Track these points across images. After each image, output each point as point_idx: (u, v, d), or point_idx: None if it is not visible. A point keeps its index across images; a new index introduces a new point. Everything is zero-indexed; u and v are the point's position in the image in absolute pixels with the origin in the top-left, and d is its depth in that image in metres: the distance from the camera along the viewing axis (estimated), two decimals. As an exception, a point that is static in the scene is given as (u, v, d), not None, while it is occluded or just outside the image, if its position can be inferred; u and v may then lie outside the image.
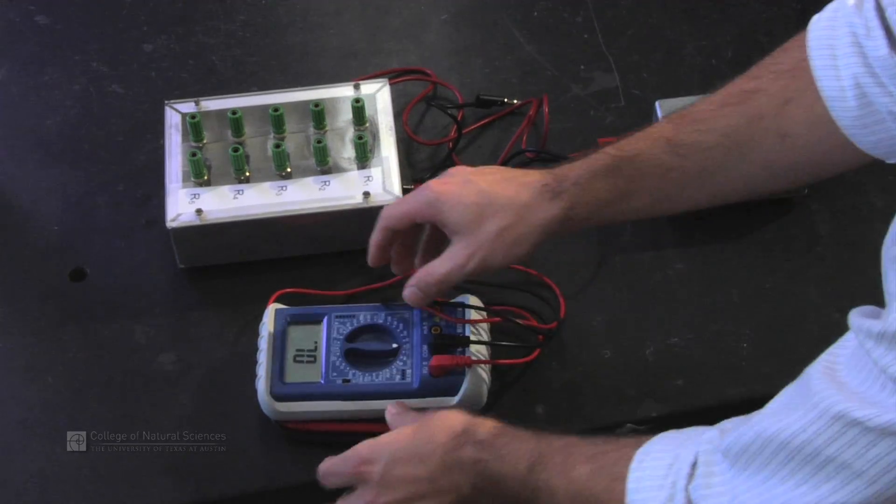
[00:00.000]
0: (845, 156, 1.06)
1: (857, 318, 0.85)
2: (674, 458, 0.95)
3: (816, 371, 0.87)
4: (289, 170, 1.29)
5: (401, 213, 1.17)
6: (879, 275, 0.87)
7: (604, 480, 0.99)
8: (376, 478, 1.09)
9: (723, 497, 0.91)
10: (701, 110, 1.13)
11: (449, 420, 1.09)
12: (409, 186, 1.33)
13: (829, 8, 1.05)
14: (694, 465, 0.93)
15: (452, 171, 1.17)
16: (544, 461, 1.04)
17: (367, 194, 1.27)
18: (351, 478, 1.11)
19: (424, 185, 1.16)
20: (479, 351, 1.19)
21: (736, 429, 0.92)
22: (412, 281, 1.17)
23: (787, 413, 0.88)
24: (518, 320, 1.23)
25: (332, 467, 1.12)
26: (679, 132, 1.12)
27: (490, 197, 1.13)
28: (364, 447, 1.11)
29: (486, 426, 1.08)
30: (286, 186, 1.28)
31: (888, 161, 1.05)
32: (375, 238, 1.19)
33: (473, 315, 1.20)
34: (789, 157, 1.10)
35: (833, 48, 1.02)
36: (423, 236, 1.20)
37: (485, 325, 1.21)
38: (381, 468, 1.09)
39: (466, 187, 1.14)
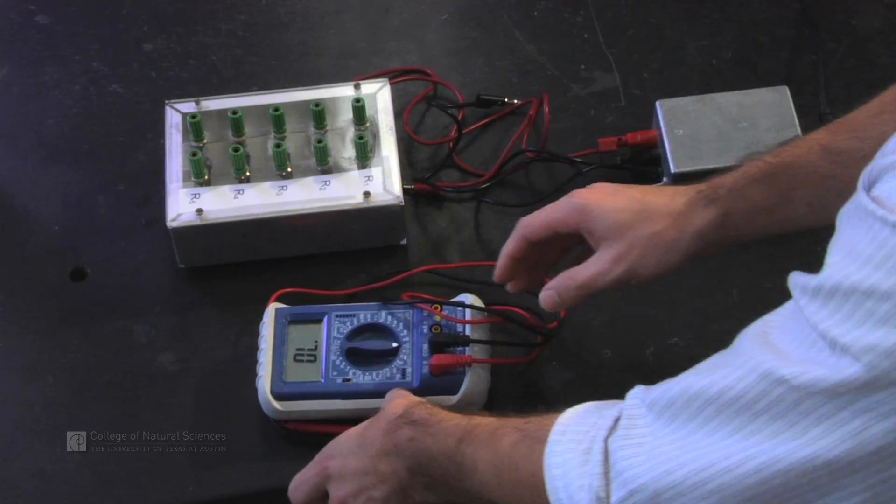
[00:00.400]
0: None
1: (797, 275, 0.83)
2: (598, 416, 0.93)
3: (747, 335, 0.86)
4: (289, 169, 1.29)
5: (543, 221, 1.12)
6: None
7: (526, 447, 0.97)
8: (335, 472, 1.10)
9: (642, 447, 0.88)
10: (857, 118, 1.08)
11: (391, 406, 1.09)
12: (409, 186, 1.33)
13: None
14: (617, 420, 0.92)
15: (595, 185, 1.13)
16: (472, 435, 1.02)
17: (367, 194, 1.27)
18: (317, 478, 1.11)
19: (569, 195, 1.12)
20: (479, 350, 1.19)
21: (662, 385, 0.90)
22: (551, 284, 1.12)
23: (715, 370, 0.86)
24: (518, 319, 1.23)
25: (300, 476, 1.12)
26: (835, 139, 1.08)
27: (643, 203, 1.09)
28: (328, 445, 1.11)
29: (425, 408, 1.08)
30: (286, 186, 1.28)
31: None
32: (510, 249, 1.15)
33: (473, 314, 1.20)
34: None
35: None
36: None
37: (485, 325, 1.21)
38: (339, 462, 1.10)
39: (618, 194, 1.10)
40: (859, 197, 0.80)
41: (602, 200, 1.10)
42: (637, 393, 0.93)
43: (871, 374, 0.77)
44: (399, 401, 1.09)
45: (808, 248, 1.29)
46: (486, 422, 1.03)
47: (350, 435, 1.11)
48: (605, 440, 0.91)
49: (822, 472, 0.81)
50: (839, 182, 1.07)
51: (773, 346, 0.83)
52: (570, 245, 1.16)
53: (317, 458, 1.12)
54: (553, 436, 0.95)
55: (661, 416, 0.88)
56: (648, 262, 1.08)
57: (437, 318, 1.20)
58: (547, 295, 1.12)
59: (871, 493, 0.81)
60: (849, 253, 0.79)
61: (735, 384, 0.83)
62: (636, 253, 1.08)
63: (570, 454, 0.92)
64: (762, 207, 1.09)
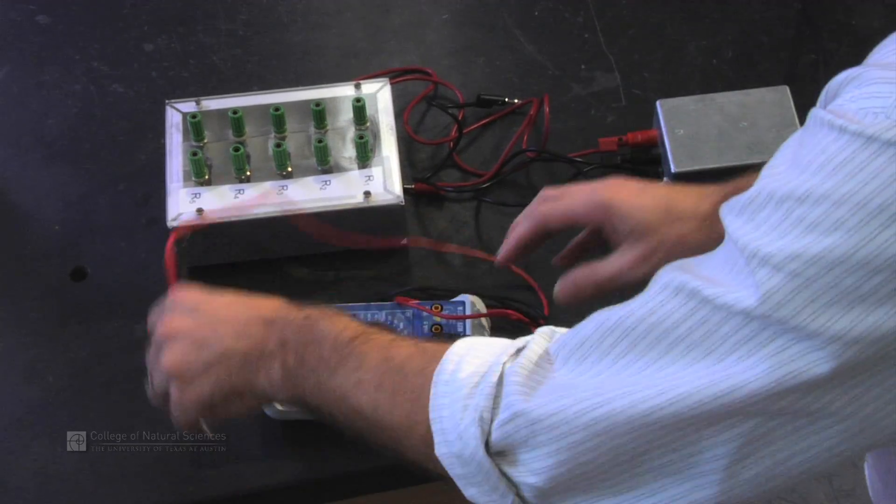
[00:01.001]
0: None
1: (727, 202, 0.82)
2: (501, 347, 0.91)
3: (666, 268, 0.83)
4: (290, 169, 1.29)
5: (564, 214, 1.11)
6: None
7: (420, 359, 0.94)
8: (188, 307, 1.06)
9: (536, 377, 0.86)
10: None
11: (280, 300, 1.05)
12: (409, 186, 1.33)
13: None
14: (520, 350, 0.89)
15: (616, 180, 1.11)
16: (370, 337, 0.99)
17: (367, 194, 1.27)
18: (162, 310, 1.07)
19: (589, 189, 1.10)
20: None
21: (576, 327, 0.87)
22: (570, 277, 1.10)
23: (633, 300, 0.83)
24: (519, 314, 1.23)
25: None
26: None
27: (670, 204, 1.07)
28: (184, 292, 1.08)
29: (318, 307, 1.04)
30: (287, 186, 1.28)
31: None
32: (522, 233, 1.13)
33: (473, 314, 1.20)
34: None
35: None
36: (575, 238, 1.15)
37: (485, 325, 1.21)
38: (201, 299, 1.06)
39: (644, 193, 1.09)
40: (814, 111, 0.78)
41: (628, 199, 1.08)
42: (545, 331, 0.90)
43: (794, 283, 0.75)
44: (270, 300, 1.05)
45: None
46: (385, 332, 1.00)
47: (226, 294, 1.07)
48: (504, 364, 0.88)
49: (718, 405, 0.78)
50: None
51: (693, 270, 0.81)
52: (580, 230, 1.14)
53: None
54: (449, 354, 0.92)
55: (568, 360, 0.86)
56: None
57: (437, 318, 1.20)
58: (564, 287, 1.11)
59: (749, 436, 0.79)
60: (791, 162, 0.77)
61: (656, 308, 0.81)
62: (661, 255, 1.06)
63: (464, 374, 0.89)
64: None
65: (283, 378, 1.02)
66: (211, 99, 1.33)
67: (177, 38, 1.49)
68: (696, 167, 1.28)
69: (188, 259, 1.29)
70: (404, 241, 1.30)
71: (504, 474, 0.88)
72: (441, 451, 0.91)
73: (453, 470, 0.91)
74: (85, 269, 1.31)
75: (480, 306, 1.22)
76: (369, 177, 1.28)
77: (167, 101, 1.34)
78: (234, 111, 1.31)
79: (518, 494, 0.88)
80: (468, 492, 0.91)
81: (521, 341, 0.90)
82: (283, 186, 1.28)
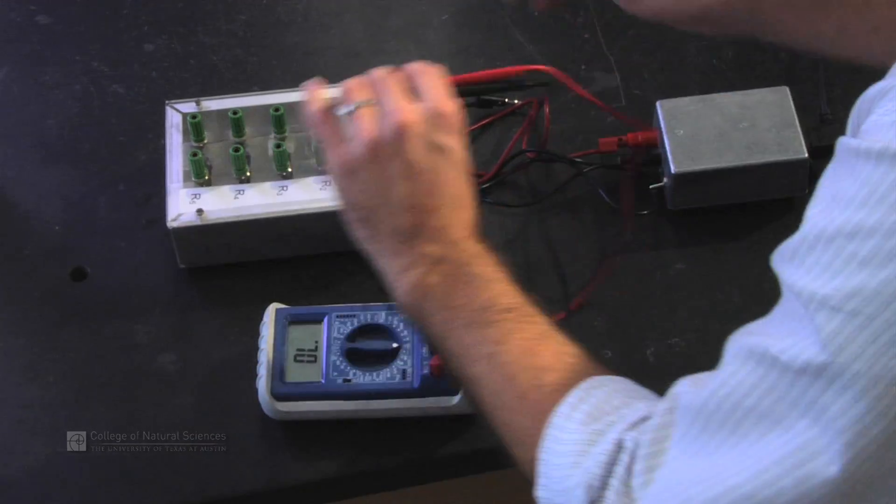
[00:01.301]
0: None
1: (777, 251, 0.80)
2: (624, 402, 0.87)
3: (732, 337, 0.81)
4: (290, 170, 1.29)
5: None
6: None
7: (557, 379, 0.90)
8: (431, 140, 1.00)
9: (658, 471, 0.81)
10: None
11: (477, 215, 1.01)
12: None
13: None
14: (643, 419, 0.84)
15: None
16: (525, 319, 0.95)
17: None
18: (435, 107, 1.02)
19: None
20: (479, 351, 1.19)
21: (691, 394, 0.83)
22: None
23: (708, 379, 0.81)
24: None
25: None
26: None
27: None
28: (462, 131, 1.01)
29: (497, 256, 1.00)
30: (287, 186, 1.28)
31: None
32: None
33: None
34: None
35: None
36: None
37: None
38: (452, 144, 1.00)
39: None
40: (844, 141, 0.76)
41: None
42: (667, 406, 0.85)
43: (854, 322, 0.72)
44: (474, 212, 1.01)
45: (809, 249, 1.29)
46: (541, 316, 0.95)
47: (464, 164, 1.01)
48: (622, 434, 0.84)
49: (792, 478, 0.75)
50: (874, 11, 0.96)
51: (760, 333, 0.79)
52: None
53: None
54: (576, 390, 0.88)
55: (676, 447, 0.82)
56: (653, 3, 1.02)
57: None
58: None
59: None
60: (832, 199, 0.75)
61: (727, 381, 0.79)
62: None
63: (581, 425, 0.86)
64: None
65: (416, 288, 0.99)
66: (211, 99, 1.33)
67: (177, 39, 1.49)
68: (696, 167, 1.28)
69: (187, 259, 1.29)
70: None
71: None
72: (541, 493, 0.88)
73: None
74: (85, 269, 1.31)
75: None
76: (369, 177, 1.28)
77: (167, 102, 1.34)
78: (234, 111, 1.31)
79: None
80: None
81: (643, 405, 0.86)
82: (283, 187, 1.28)
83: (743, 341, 0.80)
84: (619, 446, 0.83)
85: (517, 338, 0.94)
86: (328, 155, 1.04)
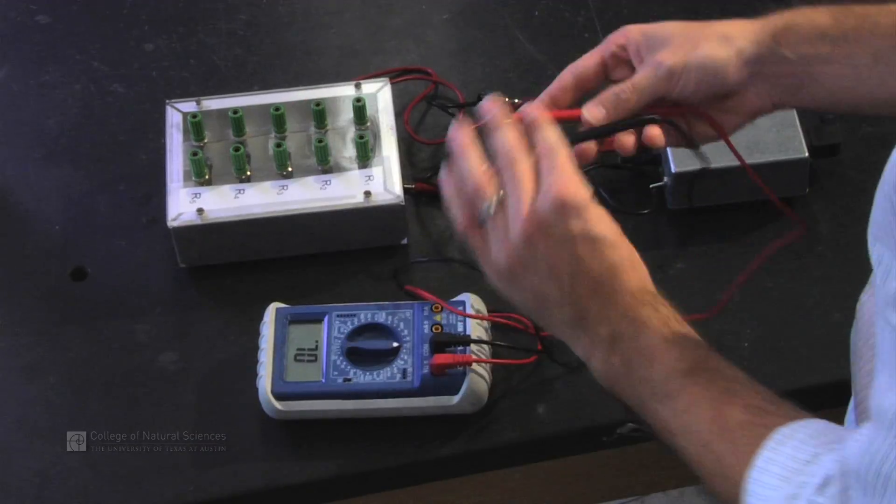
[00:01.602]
0: None
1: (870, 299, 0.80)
2: (810, 459, 0.86)
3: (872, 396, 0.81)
4: (290, 169, 1.29)
5: (590, 59, 1.11)
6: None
7: (747, 439, 0.89)
8: (565, 228, 0.95)
9: None
10: None
11: (641, 266, 0.99)
12: (409, 186, 1.32)
13: None
14: (827, 481, 0.84)
15: (675, 41, 1.10)
16: (705, 377, 0.94)
17: (368, 194, 1.27)
18: (545, 195, 0.95)
19: (655, 63, 1.09)
20: (480, 350, 1.19)
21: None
22: (597, 99, 1.09)
23: (867, 441, 0.80)
24: (518, 316, 1.23)
25: (545, 144, 0.98)
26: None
27: (702, 25, 1.09)
28: (594, 202, 0.96)
29: (668, 305, 0.98)
30: (287, 186, 1.28)
31: None
32: (579, 68, 1.12)
33: (474, 314, 1.20)
34: None
35: None
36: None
37: (486, 325, 1.21)
38: (582, 227, 0.96)
39: (670, 22, 1.10)
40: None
41: (653, 25, 1.10)
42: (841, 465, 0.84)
43: None
44: (645, 270, 0.99)
45: (808, 250, 1.29)
46: (721, 369, 0.94)
47: (607, 241, 0.97)
48: (811, 497, 0.84)
49: None
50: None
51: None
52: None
53: (552, 195, 0.95)
54: (760, 464, 0.88)
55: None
56: (693, 75, 1.07)
57: (438, 317, 1.20)
58: (597, 106, 1.09)
59: None
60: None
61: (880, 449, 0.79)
62: (688, 59, 1.07)
63: (773, 490, 0.86)
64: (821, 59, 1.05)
65: (604, 369, 0.98)
66: (211, 99, 1.33)
67: (177, 38, 1.49)
68: (697, 167, 1.28)
69: (188, 259, 1.29)
70: (404, 241, 1.30)
71: None
72: None
73: None
74: (85, 269, 1.31)
75: (480, 306, 1.22)
76: (369, 177, 1.28)
77: (167, 101, 1.34)
78: (235, 111, 1.31)
79: None
80: None
81: (829, 460, 0.85)
82: (283, 186, 1.28)
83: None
84: None
85: (702, 406, 0.93)
86: (483, 265, 1.01)
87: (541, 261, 0.96)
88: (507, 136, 0.99)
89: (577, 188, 0.95)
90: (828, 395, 1.16)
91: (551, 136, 0.98)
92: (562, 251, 0.96)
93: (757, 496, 0.87)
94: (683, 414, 0.93)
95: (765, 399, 0.92)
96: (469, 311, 1.20)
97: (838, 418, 1.17)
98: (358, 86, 1.34)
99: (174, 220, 1.26)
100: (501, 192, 0.98)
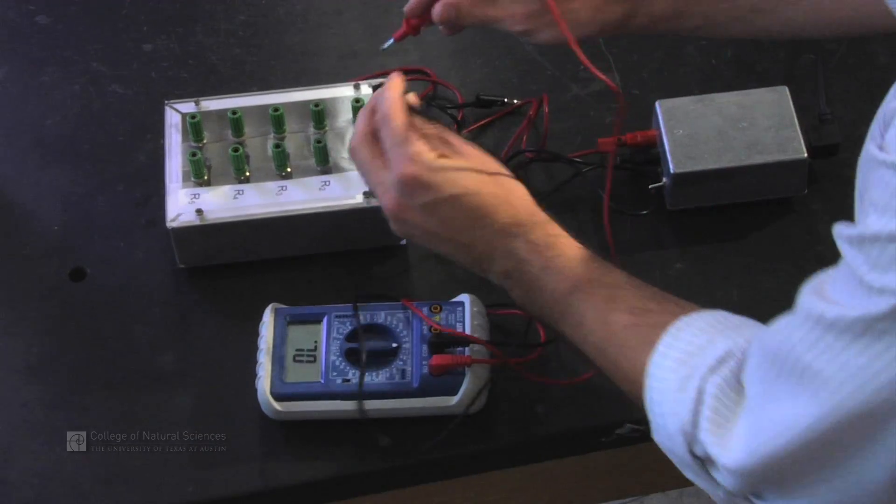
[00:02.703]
0: (891, 22, 1.08)
1: (840, 226, 0.85)
2: (704, 346, 0.94)
3: (806, 290, 0.88)
4: (289, 170, 1.29)
5: None
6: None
7: (636, 339, 0.99)
8: (420, 202, 1.08)
9: (730, 412, 0.90)
10: None
11: (515, 200, 1.09)
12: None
13: None
14: (721, 361, 0.92)
15: None
16: (587, 291, 1.04)
17: (367, 194, 1.27)
18: (394, 179, 1.08)
19: None
20: (479, 350, 1.19)
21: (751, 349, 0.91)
22: (455, 1, 1.19)
23: (783, 330, 0.88)
24: (518, 313, 1.23)
25: (388, 132, 1.10)
26: None
27: None
28: (428, 170, 1.07)
29: (543, 230, 1.08)
30: (286, 186, 1.28)
31: None
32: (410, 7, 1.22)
33: (473, 315, 1.20)
34: (838, 13, 1.18)
35: None
36: None
37: (485, 325, 1.21)
38: (433, 199, 1.08)
39: None
40: (871, 150, 0.82)
41: None
42: (743, 348, 0.93)
43: None
44: (523, 199, 1.10)
45: (807, 250, 1.29)
46: (602, 280, 1.04)
47: (465, 183, 1.08)
48: (703, 377, 0.92)
49: (863, 417, 0.81)
50: (734, 7, 1.20)
51: (827, 297, 0.84)
52: None
53: (416, 154, 1.08)
54: (658, 353, 0.96)
55: (748, 391, 0.90)
56: (550, 32, 1.19)
57: (437, 318, 1.20)
58: (445, 7, 1.19)
59: None
60: (869, 203, 0.82)
61: (791, 334, 0.85)
62: (546, 20, 1.18)
63: (670, 373, 0.94)
64: (663, 16, 1.21)
65: (517, 300, 1.09)
66: (210, 99, 1.33)
67: (176, 39, 1.49)
68: (696, 167, 1.28)
69: (187, 259, 1.29)
70: (403, 242, 1.30)
71: (711, 475, 0.92)
72: (657, 438, 0.97)
73: (669, 456, 0.96)
74: (84, 269, 1.31)
75: (479, 306, 1.22)
76: (369, 177, 1.28)
77: (166, 102, 1.34)
78: (234, 111, 1.31)
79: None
80: (685, 474, 0.96)
81: (721, 346, 0.93)
82: (282, 187, 1.28)
83: (813, 304, 0.85)
84: (701, 392, 0.91)
85: (589, 316, 1.03)
86: None
87: (418, 230, 1.10)
88: (356, 143, 1.12)
89: (412, 166, 1.07)
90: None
91: (391, 123, 1.09)
92: (429, 218, 1.08)
93: (657, 378, 0.95)
94: (577, 328, 1.04)
95: (648, 299, 1.01)
96: (468, 311, 1.20)
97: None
98: (357, 86, 1.34)
99: (173, 220, 1.26)
100: None
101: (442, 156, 1.09)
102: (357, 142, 1.12)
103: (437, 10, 1.20)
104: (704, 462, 0.92)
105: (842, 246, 0.84)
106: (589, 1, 1.20)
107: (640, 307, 1.01)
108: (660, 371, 0.95)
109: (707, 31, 1.25)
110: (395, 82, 1.12)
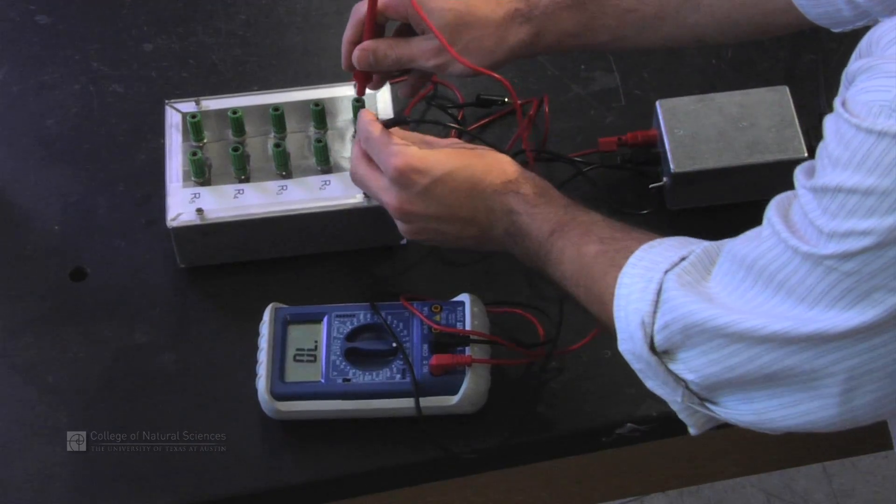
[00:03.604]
0: (790, 19, 1.18)
1: (802, 168, 0.93)
2: (671, 251, 1.00)
3: (773, 204, 0.94)
4: (289, 169, 1.29)
5: (377, 8, 1.23)
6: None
7: (604, 263, 1.05)
8: (418, 189, 1.14)
9: (692, 287, 0.96)
10: None
11: (502, 164, 1.16)
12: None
13: None
14: (683, 258, 0.99)
15: None
16: (564, 230, 1.10)
17: (367, 194, 1.26)
18: (390, 177, 1.15)
19: None
20: (479, 350, 1.19)
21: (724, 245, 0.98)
22: (369, 45, 1.24)
23: (752, 240, 0.95)
24: (519, 311, 1.23)
25: (374, 146, 1.17)
26: None
27: (470, 7, 1.22)
28: (414, 157, 1.14)
29: (532, 183, 1.14)
30: (286, 186, 1.28)
31: (833, 30, 1.17)
32: (348, 35, 1.25)
33: (473, 314, 1.20)
34: (736, 13, 1.21)
35: None
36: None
37: (485, 324, 1.21)
38: (429, 181, 1.14)
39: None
40: (836, 104, 0.89)
41: None
42: (708, 248, 1.00)
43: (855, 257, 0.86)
44: (508, 163, 1.16)
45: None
46: (578, 219, 1.11)
47: (451, 163, 1.15)
48: (665, 272, 0.98)
49: (823, 345, 0.89)
50: (639, 17, 1.23)
51: (790, 222, 0.91)
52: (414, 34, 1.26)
53: (399, 156, 1.15)
54: (628, 265, 1.02)
55: (719, 279, 0.96)
56: (460, 65, 1.22)
57: (438, 318, 1.20)
58: (362, 53, 1.24)
59: (854, 371, 0.90)
60: (827, 156, 0.88)
61: (766, 253, 0.92)
62: (456, 50, 1.22)
63: (638, 280, 1.00)
64: (570, 32, 1.24)
65: (519, 257, 1.15)
66: (210, 99, 1.33)
67: (176, 38, 1.49)
68: (696, 167, 1.28)
69: (187, 259, 1.29)
70: (403, 242, 1.30)
71: (670, 371, 0.98)
72: (622, 347, 1.01)
73: (632, 365, 1.01)
74: (85, 269, 1.31)
75: (479, 306, 1.22)
76: (369, 177, 1.28)
77: (167, 102, 1.34)
78: (234, 111, 1.31)
79: (687, 388, 0.99)
80: (647, 384, 1.02)
81: (686, 249, 1.00)
82: (282, 186, 1.28)
83: (776, 221, 0.92)
84: (662, 282, 0.98)
85: (567, 252, 1.09)
86: None
87: (423, 220, 1.16)
88: (353, 167, 1.21)
89: (404, 157, 1.14)
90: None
91: (371, 136, 1.17)
92: (429, 202, 1.15)
93: (623, 286, 1.01)
94: (558, 266, 1.10)
95: (617, 230, 1.08)
96: (468, 311, 1.20)
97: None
98: (357, 86, 1.34)
99: (173, 220, 1.26)
100: None
101: (424, 144, 1.18)
102: (354, 166, 1.20)
103: (355, 56, 1.24)
104: (663, 358, 0.98)
105: (800, 190, 0.91)
106: (492, 27, 1.23)
107: (609, 237, 1.07)
108: (627, 279, 1.01)
109: (616, 45, 1.27)
110: (364, 112, 1.20)
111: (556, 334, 1.22)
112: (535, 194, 1.13)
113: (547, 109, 1.38)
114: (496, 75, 1.24)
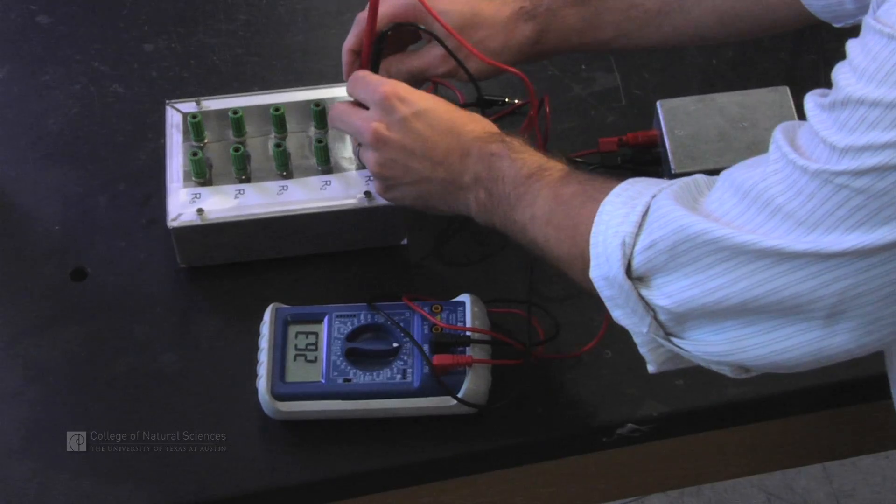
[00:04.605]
0: (791, 13, 1.18)
1: (812, 94, 0.92)
2: (657, 184, 0.99)
3: (778, 133, 0.92)
4: (290, 169, 1.29)
5: (381, 15, 1.23)
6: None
7: (582, 199, 1.05)
8: (399, 116, 1.16)
9: (681, 207, 0.94)
10: None
11: (485, 122, 1.18)
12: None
13: None
14: (671, 184, 0.98)
15: None
16: (543, 174, 1.10)
17: (368, 194, 1.27)
18: (375, 101, 1.17)
19: None
20: (479, 350, 1.19)
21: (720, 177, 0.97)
22: (383, 63, 1.25)
23: (757, 165, 0.93)
24: (518, 312, 1.23)
25: (360, 82, 1.20)
26: None
27: (476, 9, 1.24)
28: (402, 87, 1.17)
29: (518, 138, 1.16)
30: (287, 186, 1.28)
31: (835, 25, 1.17)
32: (350, 43, 1.26)
33: (474, 315, 1.20)
34: (739, 7, 1.22)
35: None
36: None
37: (486, 324, 1.21)
38: (410, 112, 1.16)
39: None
40: (867, 19, 0.87)
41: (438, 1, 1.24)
42: (699, 178, 0.98)
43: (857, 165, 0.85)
44: (493, 126, 1.18)
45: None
46: (557, 167, 1.11)
47: (438, 102, 1.18)
48: (653, 196, 0.97)
49: (814, 267, 0.88)
50: (642, 12, 1.24)
51: (798, 147, 0.89)
52: (409, 43, 1.29)
53: (385, 85, 1.17)
54: (611, 195, 1.01)
55: (716, 197, 0.94)
56: (470, 66, 1.24)
57: (438, 318, 1.20)
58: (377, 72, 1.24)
59: (842, 295, 0.89)
60: (850, 69, 0.88)
61: (768, 176, 0.90)
62: (462, 55, 1.23)
63: (620, 208, 0.99)
64: (575, 29, 1.25)
65: (478, 210, 1.16)
66: (211, 99, 1.33)
67: (177, 38, 1.49)
68: (697, 167, 1.28)
69: (188, 259, 1.29)
70: (404, 242, 1.30)
71: (642, 298, 0.97)
72: (594, 273, 1.00)
73: (602, 292, 1.01)
74: (85, 269, 1.31)
75: (480, 306, 1.22)
76: (370, 177, 1.28)
77: (167, 102, 1.34)
78: (235, 111, 1.31)
79: (655, 318, 0.98)
80: (614, 313, 1.01)
81: (673, 181, 0.99)
82: (283, 186, 1.28)
83: (784, 145, 0.90)
84: (649, 204, 0.97)
85: (543, 192, 1.09)
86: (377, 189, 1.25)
87: (394, 150, 1.17)
88: (334, 106, 1.23)
89: (392, 85, 1.17)
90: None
91: (359, 76, 1.21)
92: (406, 132, 1.16)
93: (605, 213, 1.00)
94: (529, 207, 1.10)
95: (599, 177, 1.08)
96: (469, 311, 1.20)
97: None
98: (358, 86, 1.34)
99: (174, 220, 1.26)
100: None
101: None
102: (334, 107, 1.23)
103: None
104: (636, 285, 0.97)
105: (811, 111, 0.90)
106: (498, 27, 1.24)
107: (589, 179, 1.08)
108: (609, 206, 1.00)
109: (619, 43, 1.27)
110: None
111: (556, 334, 1.22)
112: (521, 143, 1.15)
113: (548, 109, 1.38)
114: (513, 69, 1.24)
